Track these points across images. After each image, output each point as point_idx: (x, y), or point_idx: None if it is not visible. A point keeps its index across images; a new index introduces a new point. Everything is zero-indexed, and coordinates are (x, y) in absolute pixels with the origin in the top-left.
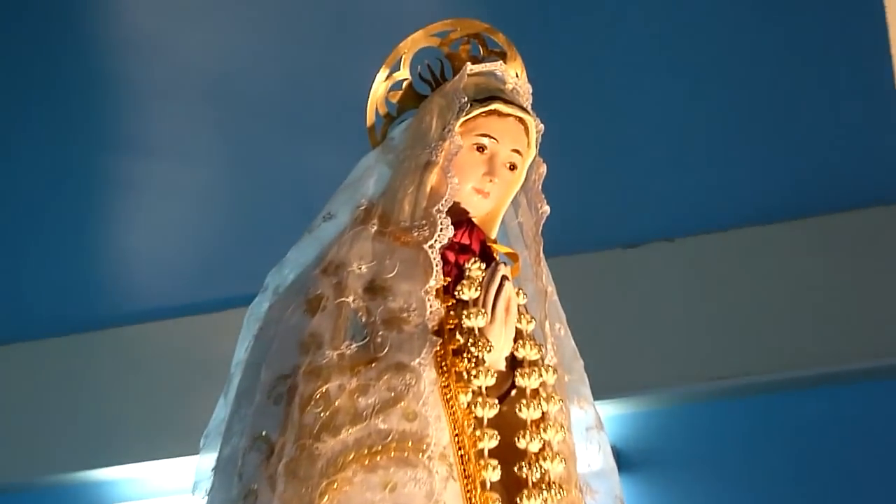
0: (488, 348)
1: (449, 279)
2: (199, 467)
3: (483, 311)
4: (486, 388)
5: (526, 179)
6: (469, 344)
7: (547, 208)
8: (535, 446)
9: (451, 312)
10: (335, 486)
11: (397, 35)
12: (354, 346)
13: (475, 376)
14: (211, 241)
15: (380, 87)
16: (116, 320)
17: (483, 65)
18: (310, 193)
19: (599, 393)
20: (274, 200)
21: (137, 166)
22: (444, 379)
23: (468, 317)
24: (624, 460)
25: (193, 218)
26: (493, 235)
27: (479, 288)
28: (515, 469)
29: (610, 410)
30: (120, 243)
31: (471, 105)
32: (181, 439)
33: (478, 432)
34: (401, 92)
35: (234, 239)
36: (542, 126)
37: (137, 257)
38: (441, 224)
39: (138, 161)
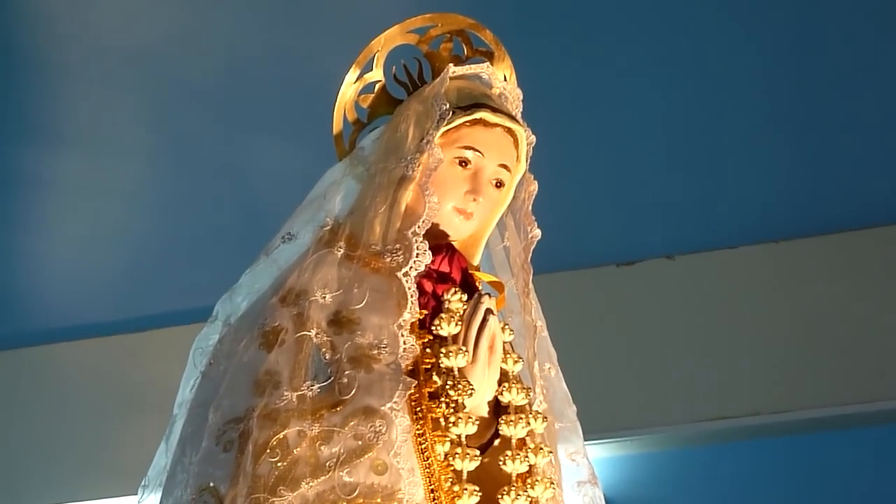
0: (469, 392)
1: (425, 312)
2: None
3: (464, 349)
4: (467, 437)
5: (514, 199)
6: (447, 386)
7: (538, 232)
8: None
9: (428, 350)
10: None
11: (358, 13)
12: (317, 386)
13: (454, 423)
14: (138, 249)
15: (349, 89)
16: (26, 339)
17: (467, 66)
18: (254, 195)
19: (587, 434)
20: (212, 203)
21: (51, 161)
22: (418, 426)
23: (447, 355)
24: None
25: (118, 221)
26: (476, 261)
27: (459, 322)
28: None
29: (599, 453)
30: (29, 250)
31: (453, 113)
32: (103, 478)
33: (456, 487)
34: (373, 96)
35: (166, 246)
36: (533, 138)
37: (51, 267)
38: (417, 248)
39: (52, 155)
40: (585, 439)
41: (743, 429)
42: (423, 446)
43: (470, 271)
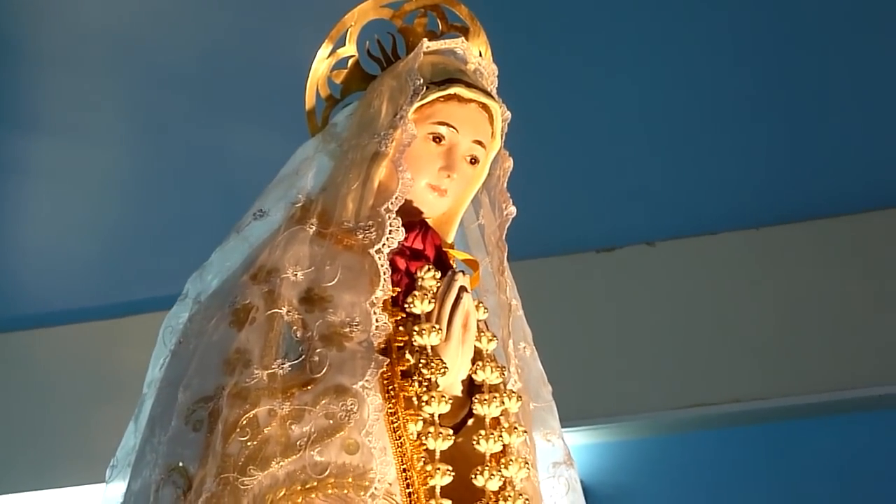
0: (442, 370)
1: (398, 289)
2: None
3: (437, 327)
4: (440, 416)
5: (489, 175)
6: (420, 365)
7: (513, 209)
8: (494, 484)
9: (401, 328)
10: None
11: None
12: (287, 365)
13: (427, 402)
14: (115, 235)
15: (321, 65)
16: (1, 325)
17: (441, 41)
18: (232, 180)
19: (566, 420)
20: (190, 188)
21: (27, 146)
22: (390, 405)
23: (420, 333)
24: (592, 498)
25: (94, 207)
26: (450, 239)
27: (433, 300)
28: None
29: (578, 440)
30: (5, 236)
31: (427, 88)
32: (78, 466)
33: (429, 467)
34: (346, 71)
35: (143, 233)
36: (508, 113)
37: (27, 253)
38: (390, 225)
39: (28, 141)
40: (563, 426)
41: (723, 416)
42: (396, 425)
43: (444, 249)
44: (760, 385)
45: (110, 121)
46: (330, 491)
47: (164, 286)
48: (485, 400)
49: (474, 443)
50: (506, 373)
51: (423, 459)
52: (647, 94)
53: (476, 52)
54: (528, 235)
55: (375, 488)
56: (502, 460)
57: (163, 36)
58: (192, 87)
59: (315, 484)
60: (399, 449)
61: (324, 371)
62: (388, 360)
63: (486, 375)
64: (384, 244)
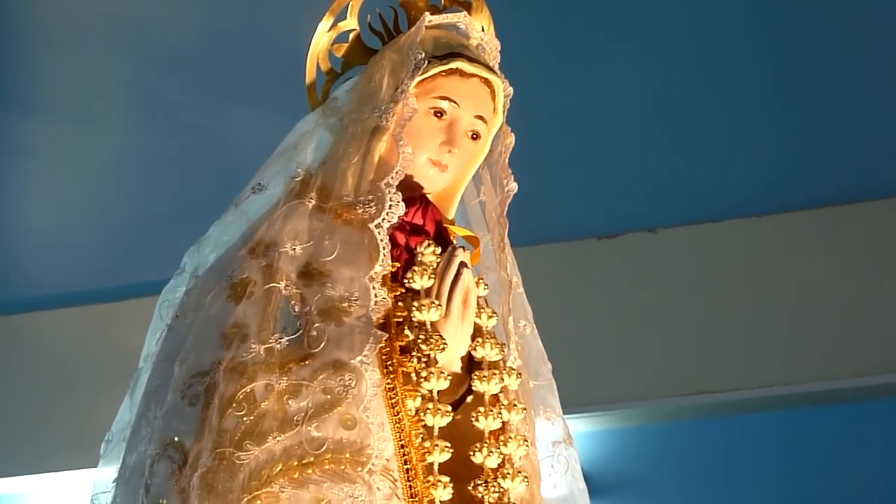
0: (441, 346)
1: (398, 265)
2: (98, 478)
3: (437, 303)
4: (438, 392)
5: (490, 151)
6: (419, 340)
7: (514, 186)
8: (492, 462)
9: (400, 303)
10: (258, 503)
11: None
12: (285, 339)
13: (425, 378)
14: (115, 218)
15: (322, 38)
16: (2, 308)
17: (444, 16)
18: (234, 162)
19: (567, 407)
20: (192, 170)
21: (30, 128)
22: (389, 380)
23: (419, 309)
24: (594, 485)
25: (94, 190)
26: (451, 216)
27: (432, 276)
28: (470, 488)
29: (579, 427)
30: (7, 218)
31: (428, 62)
32: (77, 449)
33: (427, 444)
34: (347, 45)
35: (145, 215)
36: (510, 89)
37: (29, 235)
38: (390, 200)
39: (31, 122)
40: (565, 413)
41: (724, 404)
42: (394, 401)
43: (444, 224)
44: (762, 373)
45: (111, 103)
46: (327, 466)
47: (164, 269)
48: (484, 377)
49: (473, 419)
50: (505, 349)
51: (422, 436)
52: (650, 80)
53: (478, 28)
54: (529, 221)
55: (373, 464)
56: (501, 437)
57: (165, 18)
58: (194, 69)
59: (312, 459)
60: (397, 425)
61: (322, 346)
62: (387, 335)
63: (486, 352)
64: (384, 219)
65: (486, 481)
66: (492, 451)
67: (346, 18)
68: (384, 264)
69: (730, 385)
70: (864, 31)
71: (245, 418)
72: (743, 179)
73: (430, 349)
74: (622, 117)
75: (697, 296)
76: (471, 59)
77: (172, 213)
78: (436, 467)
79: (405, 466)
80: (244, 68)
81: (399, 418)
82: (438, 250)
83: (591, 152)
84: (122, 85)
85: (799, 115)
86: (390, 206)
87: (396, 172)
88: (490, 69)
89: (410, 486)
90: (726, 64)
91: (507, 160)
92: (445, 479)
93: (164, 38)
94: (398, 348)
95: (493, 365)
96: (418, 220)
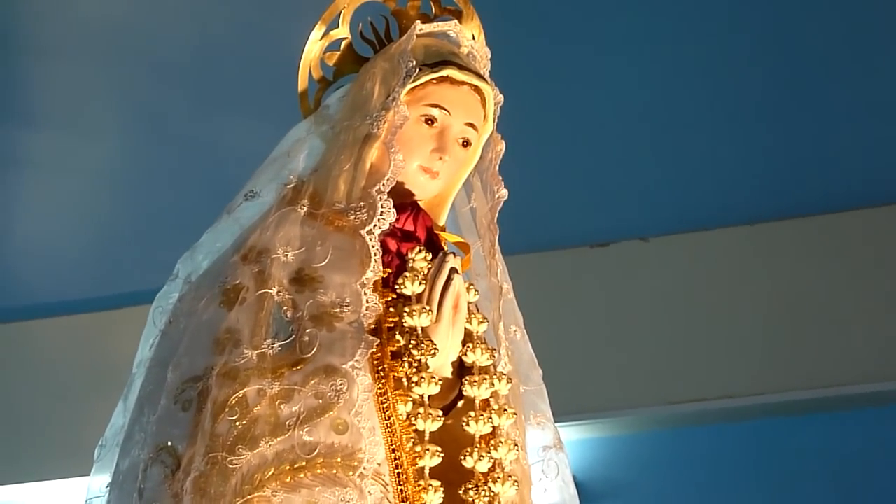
0: (432, 351)
1: (389, 271)
2: (91, 483)
3: (428, 308)
4: (429, 397)
5: (481, 158)
6: (410, 346)
7: (504, 192)
8: (483, 466)
9: (391, 309)
10: None
11: None
12: (277, 345)
13: (417, 383)
14: (109, 227)
15: (314, 46)
16: None
17: (435, 24)
18: (226, 171)
19: (557, 415)
20: (183, 180)
21: (24, 138)
22: (380, 385)
23: (410, 315)
24: (585, 493)
25: (87, 199)
26: (442, 222)
27: (423, 282)
28: (460, 492)
29: (571, 435)
30: (2, 228)
31: (419, 70)
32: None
33: (418, 448)
34: (338, 53)
35: (137, 224)
36: (501, 97)
37: (22, 244)
38: (381, 207)
39: (25, 132)
40: (557, 421)
41: (716, 412)
42: (385, 406)
43: (435, 231)
44: (753, 381)
45: (105, 113)
46: (319, 471)
47: (157, 278)
48: (475, 381)
49: (464, 424)
50: (496, 355)
51: (413, 440)
52: (642, 89)
53: (469, 36)
54: (521, 230)
55: (364, 468)
56: (492, 442)
57: (158, 28)
58: (187, 79)
59: (304, 464)
60: (388, 429)
61: (313, 351)
62: (379, 340)
63: (477, 357)
64: (375, 225)
65: (476, 485)
66: (482, 456)
67: (338, 27)
68: (375, 270)
69: (721, 393)
70: (855, 42)
71: (238, 423)
72: (734, 188)
73: (422, 354)
74: (614, 125)
75: (689, 304)
76: (461, 67)
77: (164, 221)
78: (427, 472)
79: (396, 471)
80: (237, 77)
81: (390, 423)
82: (429, 256)
83: (584, 161)
84: (115, 94)
85: (789, 125)
86: (382, 212)
87: (388, 179)
88: (480, 77)
89: (402, 491)
90: (717, 74)
91: (497, 167)
92: (436, 483)
93: (158, 48)
94: (389, 353)
95: (483, 370)
96: (409, 227)
